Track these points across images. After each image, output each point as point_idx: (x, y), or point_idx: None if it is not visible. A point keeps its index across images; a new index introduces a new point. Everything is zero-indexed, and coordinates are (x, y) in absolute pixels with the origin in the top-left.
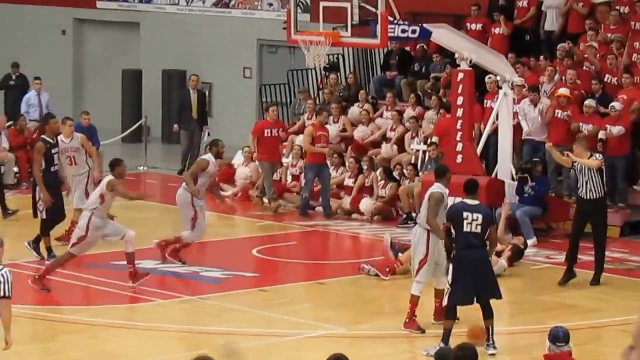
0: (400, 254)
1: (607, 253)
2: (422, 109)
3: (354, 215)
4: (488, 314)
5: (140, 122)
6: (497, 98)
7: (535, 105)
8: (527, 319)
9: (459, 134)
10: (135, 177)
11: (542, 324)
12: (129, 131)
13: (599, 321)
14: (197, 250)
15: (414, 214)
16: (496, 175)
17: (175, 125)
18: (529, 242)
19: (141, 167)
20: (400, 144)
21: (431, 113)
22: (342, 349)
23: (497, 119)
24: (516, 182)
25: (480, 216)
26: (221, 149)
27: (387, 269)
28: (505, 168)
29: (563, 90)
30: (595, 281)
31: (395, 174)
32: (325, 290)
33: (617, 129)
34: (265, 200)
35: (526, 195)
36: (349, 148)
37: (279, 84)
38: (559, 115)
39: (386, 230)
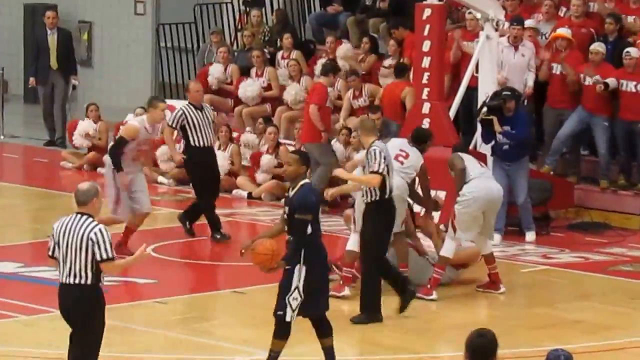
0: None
1: (623, 250)
2: (376, 57)
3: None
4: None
5: None
6: (478, 42)
7: (516, 48)
8: (516, 339)
9: (426, 90)
10: None
11: (536, 345)
12: None
13: (614, 342)
14: None
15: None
16: (476, 146)
17: (32, 79)
18: (528, 236)
19: None
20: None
21: (389, 63)
22: None
23: (477, 69)
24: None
25: None
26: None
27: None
28: None
29: (562, 31)
30: (402, 307)
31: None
32: (246, 301)
33: None
34: None
35: (505, 148)
36: (277, 112)
37: (182, 24)
38: (555, 71)
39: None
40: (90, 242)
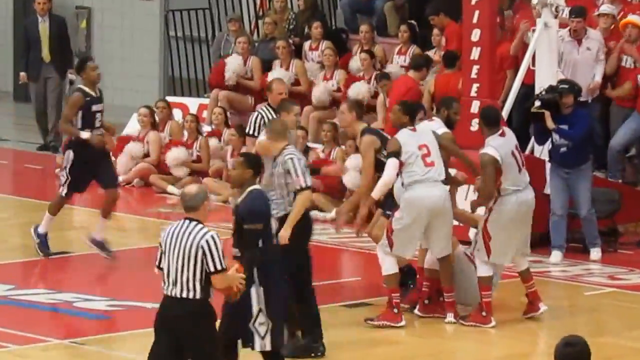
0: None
1: None
2: (418, 48)
3: (314, 214)
4: None
5: None
6: (534, 31)
7: (579, 42)
8: None
9: (475, 86)
10: None
11: None
12: None
13: None
14: (66, 267)
15: None
16: (533, 150)
17: (22, 74)
18: (592, 254)
19: None
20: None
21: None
22: None
23: (533, 63)
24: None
25: None
26: (454, 113)
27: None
28: None
29: (632, 17)
30: None
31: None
32: None
33: None
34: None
35: (563, 150)
36: (304, 111)
37: (195, 10)
38: (625, 64)
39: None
40: (200, 251)
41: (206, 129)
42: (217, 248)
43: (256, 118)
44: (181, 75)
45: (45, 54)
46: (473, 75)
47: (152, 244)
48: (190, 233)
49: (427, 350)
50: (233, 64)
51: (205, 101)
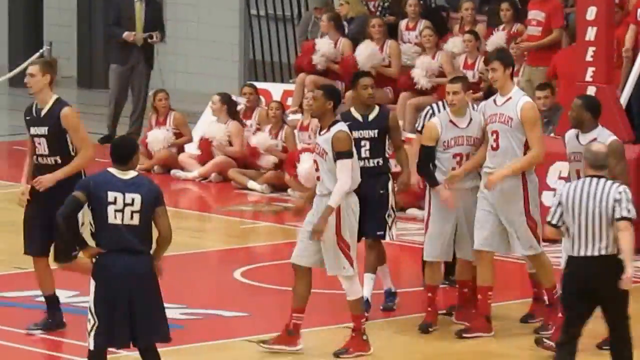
0: None
1: None
2: (523, 26)
3: (410, 212)
4: None
5: (40, 51)
6: None
7: None
8: None
9: (590, 70)
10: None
11: None
12: (20, 68)
13: None
14: None
15: None
16: None
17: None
18: None
19: None
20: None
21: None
22: None
23: None
24: None
25: (138, 198)
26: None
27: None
28: None
29: None
30: None
31: None
32: None
33: None
34: None
35: None
36: (401, 98)
37: None
38: None
39: None
40: (615, 204)
41: (292, 117)
42: (628, 199)
43: (426, 113)
44: (264, 59)
45: (139, 37)
46: (588, 58)
47: (230, 245)
48: (603, 189)
49: None
50: (323, 46)
51: (290, 87)
